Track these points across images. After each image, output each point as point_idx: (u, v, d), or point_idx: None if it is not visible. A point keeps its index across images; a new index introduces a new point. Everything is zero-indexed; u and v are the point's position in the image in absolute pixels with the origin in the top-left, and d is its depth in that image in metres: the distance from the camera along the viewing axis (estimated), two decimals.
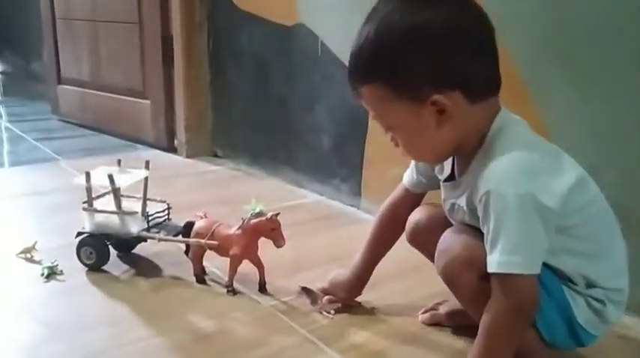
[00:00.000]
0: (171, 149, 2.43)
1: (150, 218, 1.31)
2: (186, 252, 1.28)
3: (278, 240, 1.15)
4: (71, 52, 2.84)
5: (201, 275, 1.26)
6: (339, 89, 1.73)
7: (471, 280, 0.88)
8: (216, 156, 2.37)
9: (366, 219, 1.63)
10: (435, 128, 0.84)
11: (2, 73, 4.90)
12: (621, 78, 1.10)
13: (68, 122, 2.94)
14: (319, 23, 1.78)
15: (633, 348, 1.06)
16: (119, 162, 1.36)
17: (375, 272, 1.14)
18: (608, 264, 0.90)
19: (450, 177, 0.95)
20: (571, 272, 0.88)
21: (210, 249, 1.22)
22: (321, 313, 1.13)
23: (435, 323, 1.10)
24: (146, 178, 1.34)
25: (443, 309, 1.10)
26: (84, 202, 1.27)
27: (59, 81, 2.94)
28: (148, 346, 1.03)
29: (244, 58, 2.14)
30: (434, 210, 1.04)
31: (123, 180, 1.28)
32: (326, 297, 1.15)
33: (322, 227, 1.63)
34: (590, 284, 0.89)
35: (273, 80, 2.02)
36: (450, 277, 0.91)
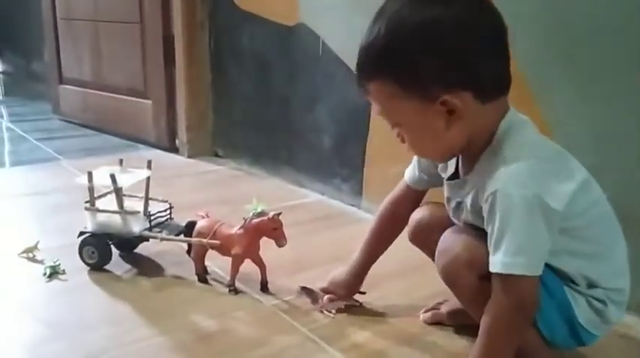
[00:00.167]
0: (173, 149, 2.43)
1: (152, 217, 1.31)
2: (188, 252, 1.28)
3: (280, 240, 1.16)
4: (72, 52, 2.85)
5: (203, 275, 1.26)
6: (341, 89, 1.74)
7: (471, 280, 0.88)
8: (217, 155, 2.38)
9: (367, 219, 1.63)
10: (443, 128, 0.83)
11: (3, 72, 4.91)
12: (622, 78, 1.10)
13: (69, 122, 2.94)
14: (320, 23, 1.78)
15: (634, 347, 1.06)
16: (121, 161, 1.36)
17: (376, 271, 1.14)
18: (609, 264, 0.90)
19: (454, 176, 0.95)
20: (573, 272, 0.88)
21: (212, 248, 1.22)
22: (322, 312, 1.14)
23: (436, 322, 1.10)
24: (148, 178, 1.35)
25: (444, 309, 1.10)
26: (86, 202, 1.28)
27: (60, 81, 2.95)
28: (150, 345, 1.03)
29: (245, 57, 2.14)
30: (436, 209, 1.04)
31: (125, 180, 1.29)
32: (326, 296, 1.15)
33: (323, 226, 1.63)
34: (591, 285, 0.89)
35: (275, 80, 2.02)
36: (450, 277, 0.91)
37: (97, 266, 1.30)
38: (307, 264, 1.35)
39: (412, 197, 1.09)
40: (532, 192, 0.78)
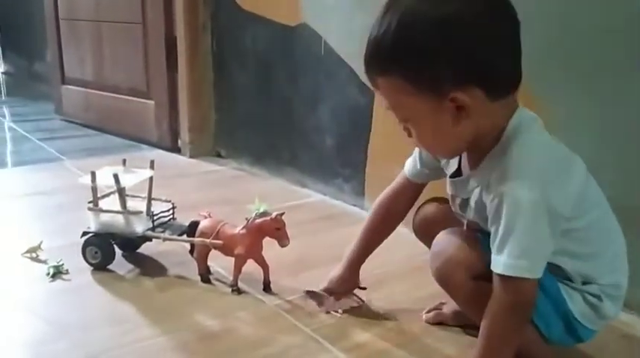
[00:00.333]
0: (175, 149, 2.43)
1: (155, 217, 1.31)
2: (191, 252, 1.28)
3: (282, 240, 1.16)
4: (75, 53, 2.85)
5: (205, 275, 1.26)
6: (343, 89, 1.74)
7: (465, 281, 0.89)
8: (219, 156, 2.38)
9: None
10: (452, 124, 0.81)
11: (5, 73, 4.92)
12: (625, 78, 1.10)
13: (71, 122, 2.95)
14: (323, 23, 1.78)
15: (636, 347, 1.06)
16: (124, 161, 1.36)
17: (379, 271, 1.14)
18: (605, 261, 0.91)
19: (456, 173, 0.95)
20: (568, 270, 0.89)
21: (215, 248, 1.22)
22: (329, 313, 1.14)
23: (438, 322, 1.10)
24: (151, 178, 1.35)
25: (447, 309, 1.10)
26: (89, 202, 1.28)
27: (63, 81, 2.95)
28: (153, 345, 1.03)
29: (248, 58, 2.14)
30: (442, 203, 1.04)
31: (128, 180, 1.29)
32: (331, 297, 1.15)
33: (326, 227, 1.63)
34: (586, 281, 0.90)
35: (277, 80, 2.03)
36: (443, 278, 0.92)
37: (100, 266, 1.30)
38: (310, 264, 1.35)
39: (411, 190, 1.08)
40: (540, 196, 0.78)
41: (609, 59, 1.12)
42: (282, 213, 1.17)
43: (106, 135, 2.71)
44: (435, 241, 0.93)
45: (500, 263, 0.81)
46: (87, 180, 1.26)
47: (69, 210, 1.62)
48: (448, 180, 0.96)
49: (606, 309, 0.90)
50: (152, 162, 1.36)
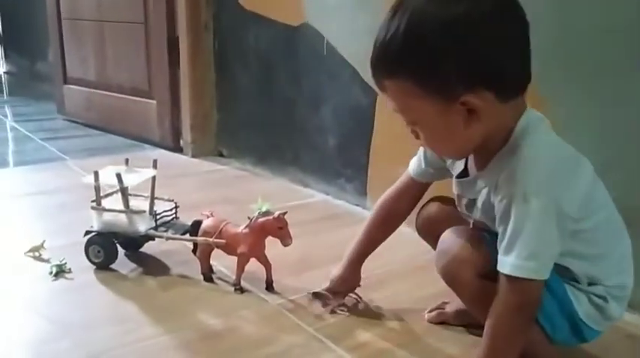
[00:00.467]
0: (177, 149, 2.43)
1: (157, 217, 1.31)
2: (194, 251, 1.28)
3: (285, 239, 1.16)
4: (77, 52, 2.85)
5: (208, 274, 1.26)
6: (345, 89, 1.74)
7: (471, 279, 0.89)
8: (221, 155, 2.38)
9: None
10: (462, 127, 0.80)
11: (7, 73, 4.92)
12: (625, 78, 1.10)
13: (74, 122, 2.95)
14: (325, 23, 1.78)
15: None
16: (127, 161, 1.36)
17: (381, 271, 1.14)
18: (611, 262, 0.90)
19: (462, 173, 0.94)
20: (575, 271, 0.88)
21: (218, 247, 1.22)
22: (334, 312, 1.14)
23: (441, 321, 1.10)
24: (154, 177, 1.35)
25: (449, 308, 1.10)
26: (92, 201, 1.28)
27: (65, 81, 2.96)
28: (156, 344, 1.03)
29: (250, 58, 2.14)
30: (445, 203, 1.04)
31: (131, 179, 1.29)
32: (334, 296, 1.15)
33: (328, 226, 1.63)
34: (592, 282, 0.89)
35: (279, 80, 2.03)
36: (450, 276, 0.92)
37: (103, 265, 1.30)
38: (312, 264, 1.35)
39: (415, 189, 1.08)
40: (550, 198, 0.78)
41: (610, 59, 1.12)
42: (285, 213, 1.17)
43: (108, 134, 2.72)
44: (441, 239, 0.92)
45: (507, 263, 0.81)
46: (89, 179, 1.26)
47: (71, 209, 1.63)
48: (454, 180, 0.96)
49: (612, 310, 0.90)
50: (155, 161, 1.36)
